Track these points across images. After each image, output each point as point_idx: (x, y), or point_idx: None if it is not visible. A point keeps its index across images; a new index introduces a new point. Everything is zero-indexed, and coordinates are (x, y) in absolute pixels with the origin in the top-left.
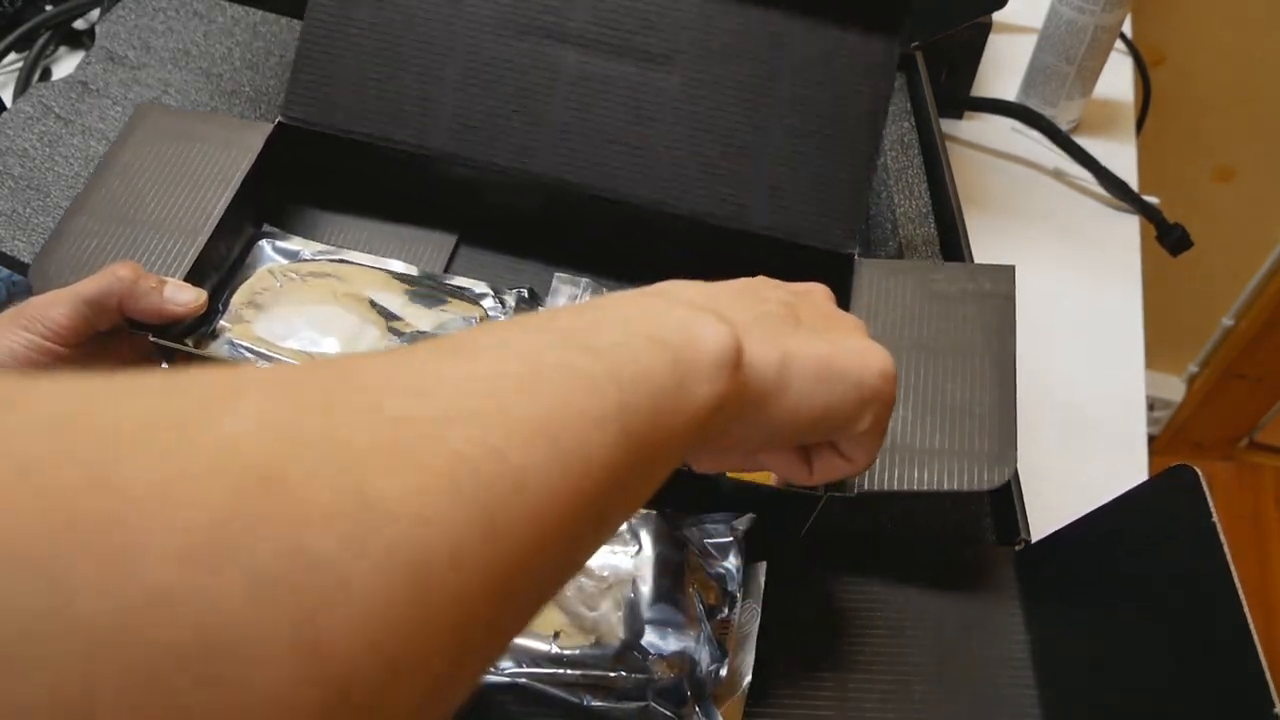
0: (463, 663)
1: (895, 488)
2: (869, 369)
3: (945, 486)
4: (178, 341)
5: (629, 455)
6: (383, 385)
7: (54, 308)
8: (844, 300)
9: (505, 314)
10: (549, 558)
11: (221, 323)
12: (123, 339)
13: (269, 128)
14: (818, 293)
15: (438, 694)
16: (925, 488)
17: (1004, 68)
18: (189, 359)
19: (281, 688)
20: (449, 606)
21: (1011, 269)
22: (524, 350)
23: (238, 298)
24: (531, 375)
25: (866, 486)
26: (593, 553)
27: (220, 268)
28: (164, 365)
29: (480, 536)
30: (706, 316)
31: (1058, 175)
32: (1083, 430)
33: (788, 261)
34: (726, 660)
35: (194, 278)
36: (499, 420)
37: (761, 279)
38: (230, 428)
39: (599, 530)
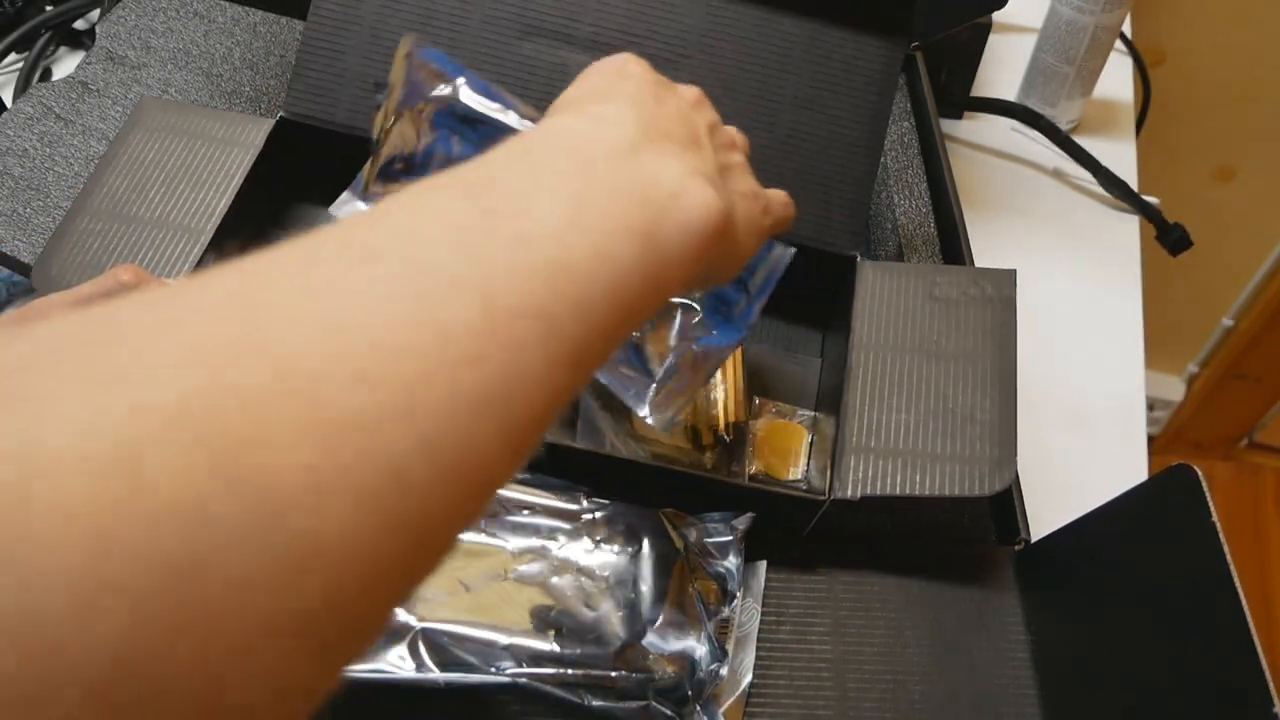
0: (427, 553)
1: (897, 492)
2: (758, 206)
3: (945, 492)
4: None
5: (576, 383)
6: (320, 385)
7: (55, 312)
8: (846, 301)
9: None
10: (475, 512)
11: None
12: None
13: (270, 124)
14: (714, 118)
15: (405, 584)
16: (926, 492)
17: (1004, 68)
18: None
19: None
20: (361, 630)
21: (1013, 273)
22: (476, 278)
23: None
24: (484, 325)
25: (868, 491)
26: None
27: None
28: None
29: (399, 553)
30: (699, 181)
31: (1058, 175)
32: (1083, 430)
33: (793, 262)
34: (726, 660)
35: None
36: (439, 400)
37: (677, 93)
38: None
39: (531, 453)
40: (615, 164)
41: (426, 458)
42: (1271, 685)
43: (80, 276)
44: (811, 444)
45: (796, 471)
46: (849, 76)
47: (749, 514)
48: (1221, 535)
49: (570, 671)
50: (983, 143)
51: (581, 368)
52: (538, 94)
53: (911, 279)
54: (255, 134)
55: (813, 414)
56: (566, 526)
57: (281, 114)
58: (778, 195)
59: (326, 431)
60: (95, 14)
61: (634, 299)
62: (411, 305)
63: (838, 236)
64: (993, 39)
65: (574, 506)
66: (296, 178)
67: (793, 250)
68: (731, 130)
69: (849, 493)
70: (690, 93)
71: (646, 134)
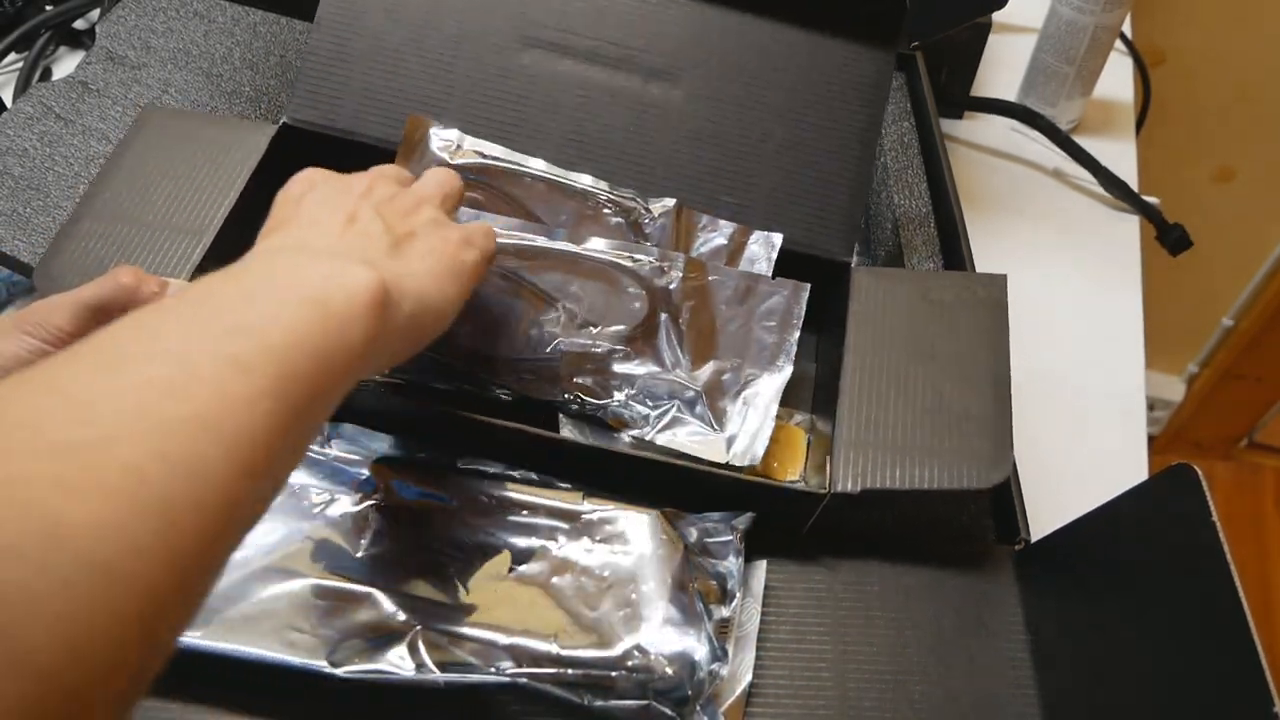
0: (155, 644)
1: (896, 486)
2: (459, 253)
3: (945, 485)
4: None
5: (290, 417)
6: (44, 419)
7: (56, 313)
8: (841, 307)
9: None
10: (226, 527)
11: None
12: None
13: (273, 129)
14: (393, 191)
15: (140, 673)
16: (925, 486)
17: (1004, 68)
18: None
19: None
20: (136, 601)
21: (1004, 277)
22: (174, 349)
23: None
24: (184, 375)
25: (868, 485)
26: (272, 498)
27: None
28: None
29: (157, 533)
30: (351, 265)
31: (1058, 175)
32: (1083, 430)
33: (786, 269)
34: (727, 660)
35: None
36: (158, 427)
37: (347, 189)
38: None
39: (272, 482)
40: (286, 267)
41: (161, 462)
42: (1272, 685)
43: (82, 278)
44: (809, 445)
45: (795, 473)
46: (841, 85)
47: (749, 514)
48: (1221, 535)
49: (570, 671)
50: (983, 143)
51: (289, 399)
52: (539, 103)
53: (905, 284)
54: (258, 139)
55: (809, 416)
56: (566, 526)
57: (284, 120)
58: (479, 227)
59: (63, 450)
60: (95, 14)
61: (323, 349)
62: (121, 370)
63: (831, 243)
64: (993, 39)
65: (574, 506)
66: None
67: (808, 285)
68: (420, 191)
69: (849, 486)
70: (360, 184)
71: (305, 248)
